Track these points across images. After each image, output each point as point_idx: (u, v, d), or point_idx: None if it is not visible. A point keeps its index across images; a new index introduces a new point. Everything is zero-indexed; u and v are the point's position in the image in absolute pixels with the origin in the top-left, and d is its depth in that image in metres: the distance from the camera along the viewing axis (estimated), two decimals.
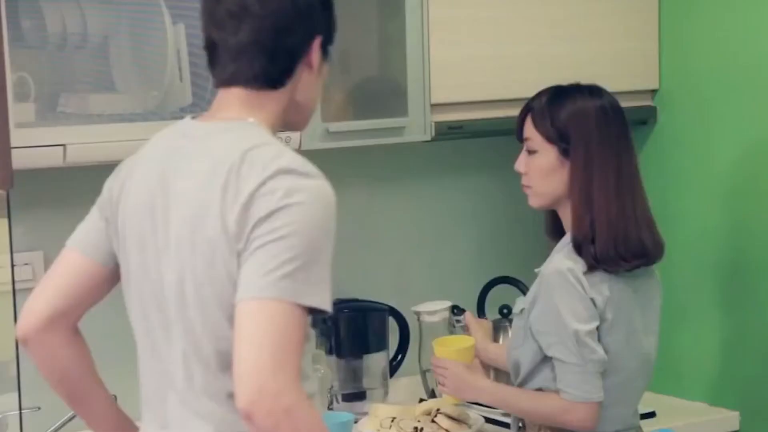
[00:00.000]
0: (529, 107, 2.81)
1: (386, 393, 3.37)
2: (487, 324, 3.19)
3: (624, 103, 2.85)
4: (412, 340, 3.42)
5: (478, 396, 2.93)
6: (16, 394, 2.51)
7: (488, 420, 3.21)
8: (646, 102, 3.59)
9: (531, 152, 2.77)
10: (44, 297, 2.22)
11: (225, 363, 2.01)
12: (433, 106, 3.19)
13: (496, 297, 3.53)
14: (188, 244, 2.04)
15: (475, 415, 3.19)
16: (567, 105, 2.77)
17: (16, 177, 2.33)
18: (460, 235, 3.69)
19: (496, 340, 3.37)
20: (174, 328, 2.09)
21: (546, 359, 2.71)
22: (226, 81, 2.13)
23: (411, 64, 3.14)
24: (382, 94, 3.22)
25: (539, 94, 2.82)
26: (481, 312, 3.51)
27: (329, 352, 3.33)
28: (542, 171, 2.76)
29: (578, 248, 2.71)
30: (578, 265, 2.69)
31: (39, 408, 2.74)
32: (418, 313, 3.32)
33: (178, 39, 2.85)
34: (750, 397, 3.41)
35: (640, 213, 2.75)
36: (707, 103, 3.47)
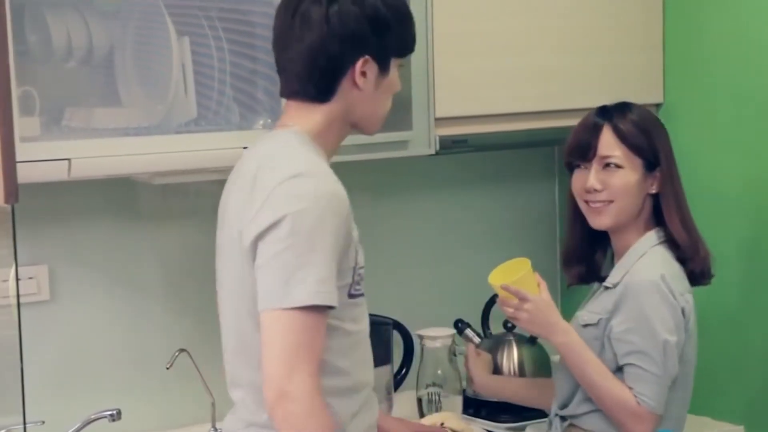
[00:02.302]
0: (606, 120, 2.74)
1: (390, 407, 3.35)
2: (486, 357, 3.17)
3: None
4: (416, 355, 3.41)
5: (551, 333, 2.71)
6: (21, 408, 2.51)
7: None
8: None
9: (611, 168, 2.72)
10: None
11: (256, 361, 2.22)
12: (437, 119, 3.19)
13: (500, 311, 3.51)
14: (227, 254, 2.30)
15: (480, 430, 3.18)
16: (643, 117, 2.76)
17: (21, 191, 2.32)
18: (464, 248, 3.68)
19: (499, 355, 3.37)
20: (227, 328, 2.37)
21: (620, 370, 2.67)
22: (281, 94, 2.41)
23: (415, 77, 3.13)
24: None
25: (603, 109, 2.76)
26: (485, 325, 3.50)
27: None
28: (629, 186, 2.72)
29: (683, 261, 2.73)
30: (668, 272, 2.67)
31: (43, 422, 2.74)
32: (421, 336, 3.31)
33: (183, 52, 2.85)
34: (754, 411, 3.40)
35: None
36: (712, 117, 3.46)
